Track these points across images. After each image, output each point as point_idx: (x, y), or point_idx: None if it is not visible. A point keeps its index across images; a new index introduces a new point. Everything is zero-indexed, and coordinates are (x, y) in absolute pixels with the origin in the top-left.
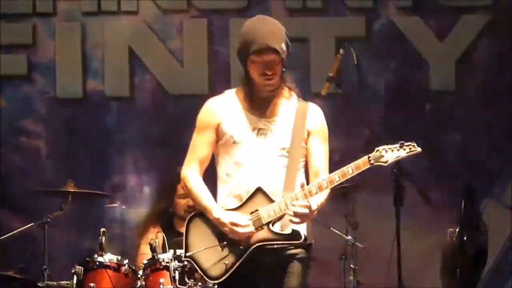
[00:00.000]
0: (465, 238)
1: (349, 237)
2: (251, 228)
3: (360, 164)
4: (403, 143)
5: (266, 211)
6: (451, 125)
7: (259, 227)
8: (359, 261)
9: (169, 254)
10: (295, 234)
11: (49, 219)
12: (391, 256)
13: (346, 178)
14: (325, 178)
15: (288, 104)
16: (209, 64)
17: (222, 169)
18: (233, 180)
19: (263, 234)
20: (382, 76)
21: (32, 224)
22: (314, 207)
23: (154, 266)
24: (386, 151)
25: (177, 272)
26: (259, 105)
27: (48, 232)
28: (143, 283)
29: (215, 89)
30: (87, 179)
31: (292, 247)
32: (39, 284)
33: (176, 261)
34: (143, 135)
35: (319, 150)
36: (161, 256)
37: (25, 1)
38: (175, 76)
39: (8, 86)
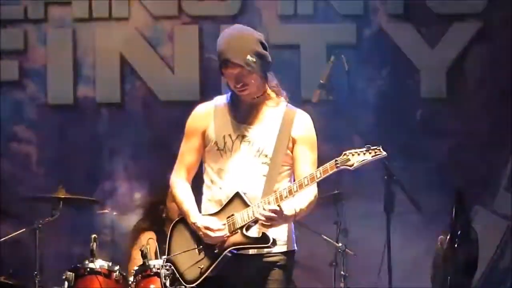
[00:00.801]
0: (455, 245)
1: (340, 244)
2: (224, 232)
3: (328, 167)
4: (369, 147)
5: (240, 216)
6: (442, 132)
7: (233, 231)
8: (349, 268)
9: (160, 260)
10: (263, 238)
11: (40, 225)
12: (381, 263)
13: (315, 182)
14: (295, 182)
15: (275, 110)
16: (200, 70)
17: (207, 176)
18: (215, 186)
19: (237, 238)
20: (373, 83)
21: (23, 230)
22: (290, 211)
23: (144, 272)
24: (353, 155)
25: (167, 279)
26: (244, 111)
27: (39, 238)
28: None
29: (206, 96)
30: (78, 185)
31: (272, 254)
32: None
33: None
34: (134, 141)
35: (304, 158)
36: (152, 263)
37: (17, 7)
38: (166, 82)
39: None
